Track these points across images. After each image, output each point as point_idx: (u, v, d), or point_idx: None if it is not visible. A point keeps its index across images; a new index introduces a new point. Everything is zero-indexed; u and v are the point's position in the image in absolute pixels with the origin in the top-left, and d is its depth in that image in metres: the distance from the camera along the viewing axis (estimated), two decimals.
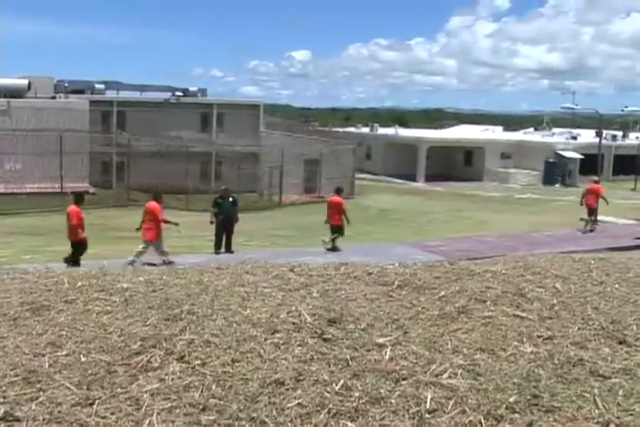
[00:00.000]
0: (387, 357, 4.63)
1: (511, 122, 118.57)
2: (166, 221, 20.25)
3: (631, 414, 3.98)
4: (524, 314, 5.93)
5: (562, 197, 56.19)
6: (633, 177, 65.42)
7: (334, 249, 21.49)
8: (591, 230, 28.67)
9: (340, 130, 75.42)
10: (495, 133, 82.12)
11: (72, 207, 18.88)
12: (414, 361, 4.58)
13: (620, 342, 5.42)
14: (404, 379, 4.27)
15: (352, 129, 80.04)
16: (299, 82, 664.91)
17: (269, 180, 51.24)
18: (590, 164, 59.75)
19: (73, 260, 18.02)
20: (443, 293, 6.45)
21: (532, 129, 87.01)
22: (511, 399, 4.03)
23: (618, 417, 3.92)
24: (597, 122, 49.82)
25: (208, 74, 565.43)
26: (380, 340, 4.95)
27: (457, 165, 70.95)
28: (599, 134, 55.16)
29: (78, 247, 18.56)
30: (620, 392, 4.30)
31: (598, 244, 22.32)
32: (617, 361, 4.91)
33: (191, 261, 16.15)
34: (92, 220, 37.05)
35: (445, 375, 4.32)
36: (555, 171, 67.12)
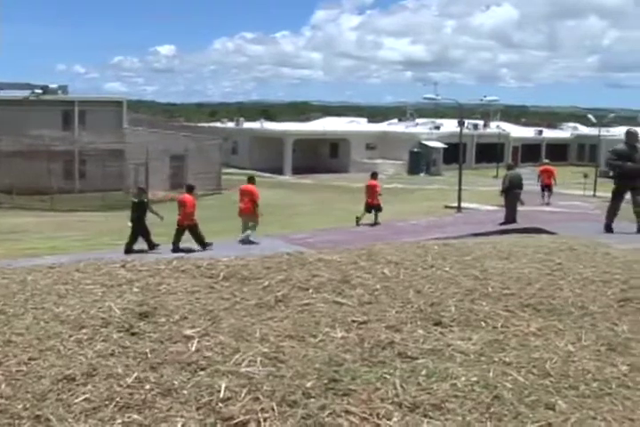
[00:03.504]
0: (193, 348, 4.58)
1: (377, 113, 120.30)
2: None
3: (429, 393, 4.03)
4: (343, 300, 5.94)
5: (427, 185, 57.38)
6: (495, 165, 67.17)
7: (376, 224, 26.33)
8: (547, 204, 35.38)
9: (206, 125, 75.05)
10: (360, 125, 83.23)
11: (187, 196, 21.53)
12: (219, 351, 4.53)
13: (436, 324, 5.49)
14: (202, 369, 4.23)
15: (218, 124, 79.66)
16: (164, 77, 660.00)
17: (135, 177, 50.66)
18: (453, 153, 60.95)
19: (201, 241, 20.47)
20: (267, 282, 6.42)
21: (396, 120, 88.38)
22: (308, 385, 4.02)
23: (414, 397, 3.96)
24: (459, 112, 50.79)
25: (71, 70, 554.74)
26: (189, 332, 4.89)
27: (323, 157, 71.56)
28: (461, 124, 56.31)
29: (196, 230, 20.81)
30: (423, 372, 4.34)
31: (462, 230, 22.59)
32: (428, 342, 4.96)
33: (50, 261, 15.65)
34: None
35: (244, 364, 4.29)
36: (419, 160, 68.50)
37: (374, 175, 28.70)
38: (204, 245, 20.32)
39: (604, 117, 73.90)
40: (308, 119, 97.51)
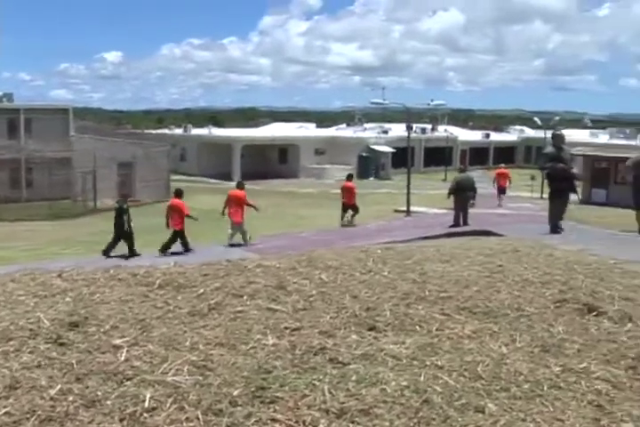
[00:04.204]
0: (122, 358, 4.51)
1: (325, 118, 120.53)
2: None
3: (357, 399, 4.00)
4: (277, 307, 5.89)
5: (377, 189, 57.37)
6: (443, 168, 67.61)
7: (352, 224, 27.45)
8: (500, 205, 36.70)
9: (154, 132, 74.59)
10: (309, 130, 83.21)
11: (177, 200, 21.90)
12: (148, 361, 4.47)
13: (371, 329, 5.45)
14: (128, 379, 4.16)
15: (165, 131, 79.18)
16: (111, 84, 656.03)
17: (83, 185, 50.16)
18: (402, 157, 61.15)
19: (185, 244, 20.95)
20: (202, 290, 6.35)
21: (344, 125, 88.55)
22: (235, 393, 3.98)
23: (342, 403, 3.93)
24: (407, 116, 51.03)
25: (15, 77, 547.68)
26: (118, 341, 4.82)
27: (272, 162, 71.54)
28: (409, 128, 56.62)
29: (182, 234, 21.20)
30: (354, 378, 4.31)
31: (412, 234, 22.50)
32: (360, 347, 4.93)
33: None
34: None
35: (171, 373, 4.24)
36: (368, 165, 68.73)
37: (350, 177, 29.75)
38: (165, 250, 20.66)
39: (549, 120, 74.66)
40: (256, 125, 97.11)
